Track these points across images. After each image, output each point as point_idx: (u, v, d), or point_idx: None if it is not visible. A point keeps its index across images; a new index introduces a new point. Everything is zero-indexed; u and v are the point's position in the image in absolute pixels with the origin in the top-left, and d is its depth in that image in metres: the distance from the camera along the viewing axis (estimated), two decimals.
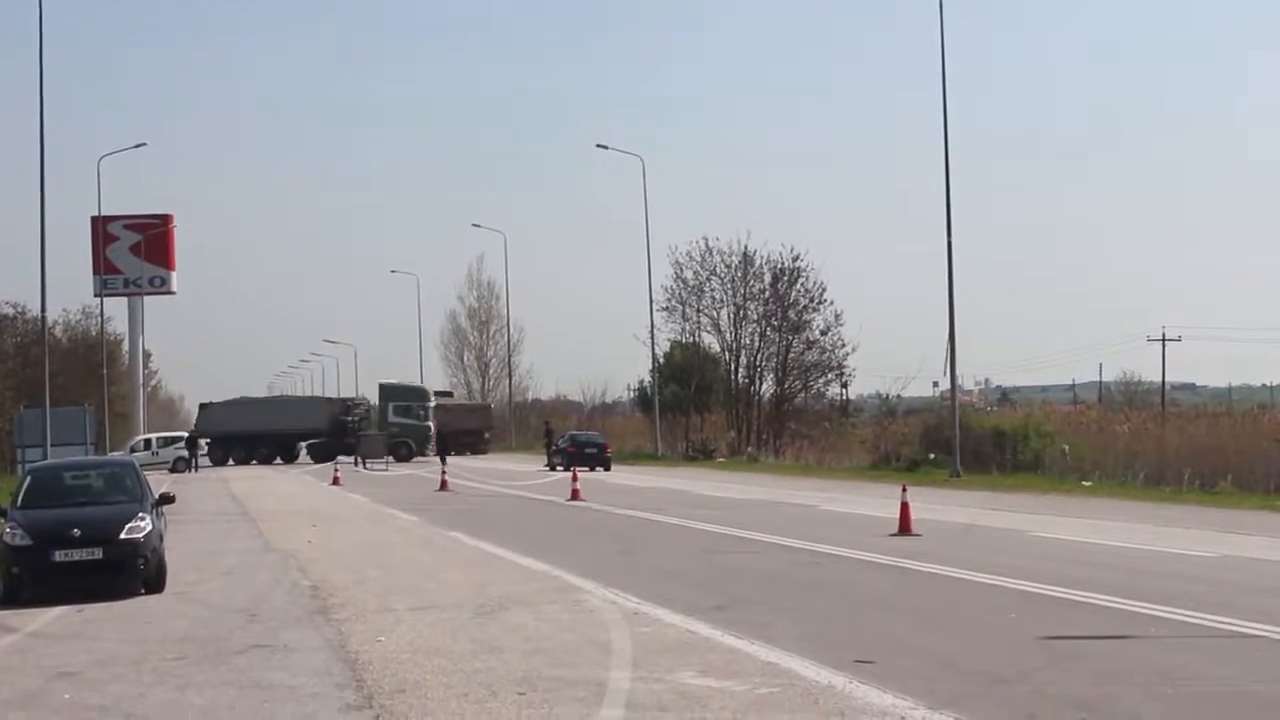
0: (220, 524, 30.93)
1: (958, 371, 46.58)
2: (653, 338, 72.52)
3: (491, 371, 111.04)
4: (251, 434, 74.91)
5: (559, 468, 56.05)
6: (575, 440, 60.20)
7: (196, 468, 66.16)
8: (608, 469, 56.67)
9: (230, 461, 73.86)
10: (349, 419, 76.01)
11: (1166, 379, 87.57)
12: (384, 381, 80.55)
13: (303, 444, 76.93)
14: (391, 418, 74.73)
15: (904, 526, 24.25)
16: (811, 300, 70.58)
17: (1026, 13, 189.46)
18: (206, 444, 76.69)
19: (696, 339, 74.96)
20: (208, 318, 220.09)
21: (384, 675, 12.04)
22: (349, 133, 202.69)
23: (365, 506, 36.48)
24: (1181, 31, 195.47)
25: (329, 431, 74.53)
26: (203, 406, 79.95)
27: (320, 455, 72.23)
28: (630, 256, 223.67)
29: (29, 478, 20.35)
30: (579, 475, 39.82)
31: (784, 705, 10.48)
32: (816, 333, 70.99)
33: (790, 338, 71.38)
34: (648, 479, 48.91)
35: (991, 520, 27.54)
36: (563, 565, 20.07)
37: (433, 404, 78.42)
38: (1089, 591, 16.09)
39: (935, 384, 73.59)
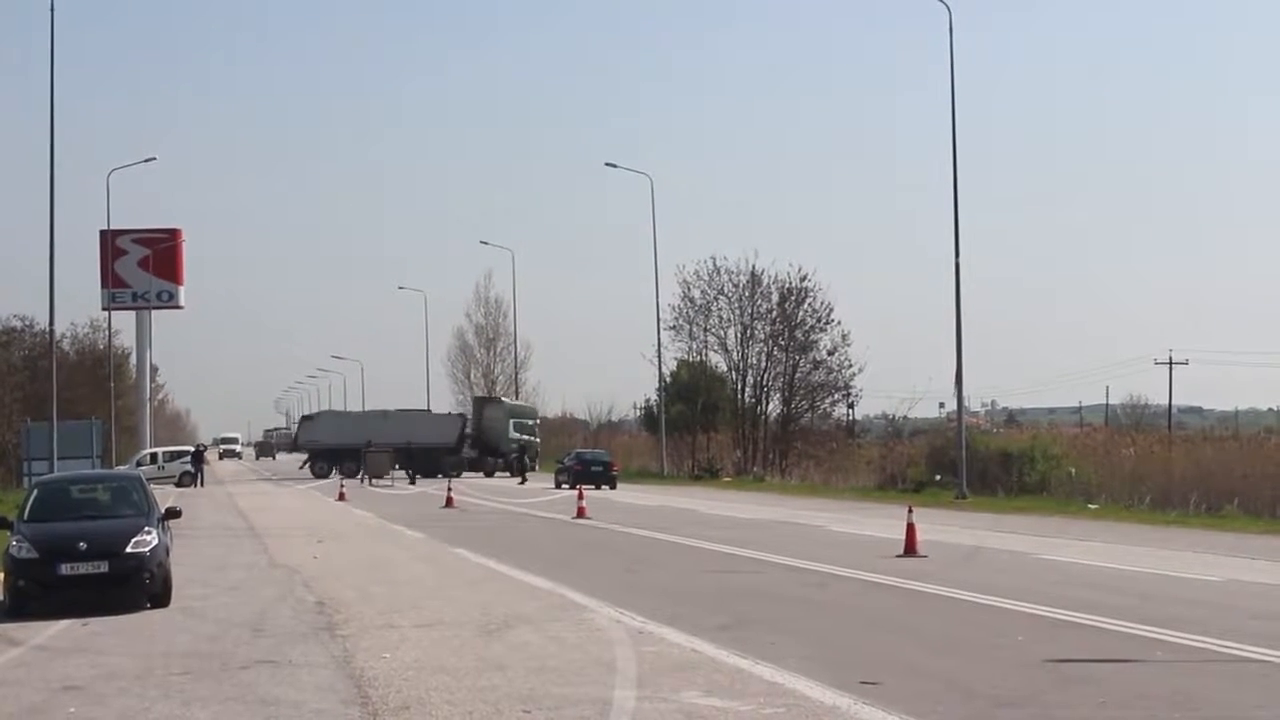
0: (226, 539, 30.91)
1: (964, 393, 46.65)
2: (659, 356, 72.63)
3: (498, 389, 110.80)
4: (363, 448, 71.59)
5: (564, 486, 56.08)
6: (581, 458, 60.19)
7: (203, 482, 66.15)
8: (613, 487, 56.69)
9: (338, 476, 70.07)
10: (468, 433, 76.67)
11: (1173, 402, 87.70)
12: (505, 399, 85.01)
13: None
14: (512, 434, 76.06)
15: (910, 548, 24.22)
16: (819, 320, 70.75)
17: (1029, 30, 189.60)
18: (307, 456, 77.25)
19: (703, 358, 75.02)
20: (215, 333, 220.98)
21: (389, 692, 12.04)
22: (357, 150, 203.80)
23: (370, 523, 36.46)
24: (1186, 49, 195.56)
25: (457, 446, 73.82)
26: (305, 418, 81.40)
27: (444, 470, 68.32)
28: (638, 275, 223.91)
29: (35, 491, 20.30)
30: (585, 493, 39.80)
31: None
32: (823, 353, 71.17)
33: (797, 357, 71.45)
34: (653, 498, 48.90)
35: (997, 542, 27.49)
36: (568, 583, 20.06)
37: (539, 421, 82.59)
38: (1095, 615, 16.07)
39: (941, 405, 73.66)
